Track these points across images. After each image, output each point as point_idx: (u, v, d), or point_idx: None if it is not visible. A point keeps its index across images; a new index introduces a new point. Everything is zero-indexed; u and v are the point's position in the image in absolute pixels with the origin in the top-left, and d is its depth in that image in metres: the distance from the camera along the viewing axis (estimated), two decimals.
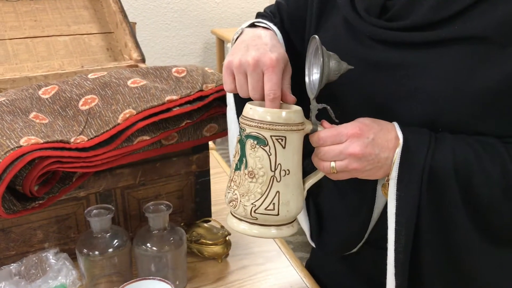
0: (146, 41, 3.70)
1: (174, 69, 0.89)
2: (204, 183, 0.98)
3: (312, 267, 0.96)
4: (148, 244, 0.80)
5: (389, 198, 0.65)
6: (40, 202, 0.75)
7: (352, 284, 0.88)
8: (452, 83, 0.63)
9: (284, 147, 0.63)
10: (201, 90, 0.86)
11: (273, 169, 0.63)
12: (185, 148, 0.91)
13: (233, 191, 0.66)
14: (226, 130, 0.93)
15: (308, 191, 0.70)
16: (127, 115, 0.78)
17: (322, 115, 0.68)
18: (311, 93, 0.67)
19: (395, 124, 0.66)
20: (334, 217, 0.80)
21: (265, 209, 0.64)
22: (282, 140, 0.63)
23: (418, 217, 0.65)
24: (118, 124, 0.78)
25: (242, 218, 0.66)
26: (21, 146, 0.68)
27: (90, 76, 0.85)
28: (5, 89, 1.12)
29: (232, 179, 0.67)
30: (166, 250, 0.80)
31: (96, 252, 0.79)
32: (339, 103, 0.74)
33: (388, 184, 0.65)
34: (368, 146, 0.63)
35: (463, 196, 0.63)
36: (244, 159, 0.65)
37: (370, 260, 0.83)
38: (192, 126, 0.89)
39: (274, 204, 0.64)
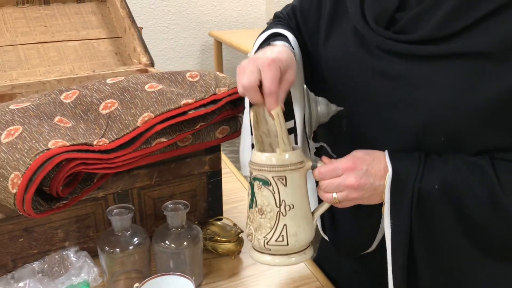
0: None
1: (188, 74, 0.93)
2: (216, 183, 1.02)
3: (320, 263, 0.99)
4: (167, 241, 0.84)
5: (385, 225, 0.71)
6: (64, 202, 0.79)
7: (361, 280, 0.92)
8: (453, 96, 0.66)
9: (285, 185, 0.71)
10: (214, 94, 0.90)
11: (278, 205, 0.71)
12: (199, 150, 0.95)
13: (249, 227, 0.75)
14: (237, 132, 0.97)
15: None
16: (146, 118, 0.82)
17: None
18: (309, 134, 0.73)
19: (386, 153, 0.72)
20: (346, 218, 0.84)
21: (276, 241, 0.72)
22: (283, 179, 0.71)
23: (412, 242, 0.71)
24: (138, 127, 0.81)
25: (260, 250, 0.74)
26: (49, 148, 0.71)
27: (108, 81, 0.89)
28: (20, 93, 1.16)
29: (248, 216, 0.76)
30: (184, 247, 0.84)
31: (117, 250, 0.83)
32: (348, 108, 0.79)
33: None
34: (362, 177, 0.70)
35: (454, 218, 0.68)
36: (254, 198, 0.73)
37: (378, 259, 0.86)
38: (205, 128, 0.92)
39: (283, 236, 0.72)
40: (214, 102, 0.90)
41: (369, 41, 0.74)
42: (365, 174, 0.70)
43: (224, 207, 1.06)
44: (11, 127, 0.74)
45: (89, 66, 1.33)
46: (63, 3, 1.43)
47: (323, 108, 0.72)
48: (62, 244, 0.91)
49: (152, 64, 1.31)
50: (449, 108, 0.67)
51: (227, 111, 0.94)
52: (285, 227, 0.72)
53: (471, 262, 0.72)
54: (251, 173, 0.74)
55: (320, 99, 0.73)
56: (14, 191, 0.70)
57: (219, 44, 3.73)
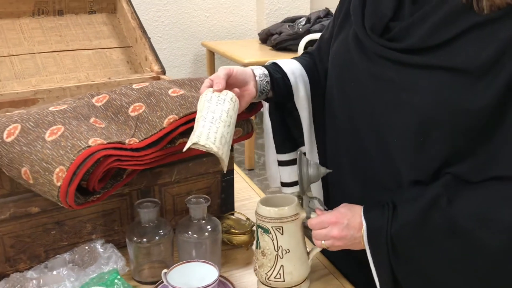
0: None
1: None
2: (229, 181, 1.11)
3: (326, 253, 1.08)
4: (190, 232, 0.92)
5: (372, 269, 0.84)
6: (97, 196, 0.86)
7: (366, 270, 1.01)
8: (435, 102, 0.76)
9: (282, 234, 0.86)
10: None
11: (276, 250, 0.87)
12: None
13: (255, 264, 0.91)
14: (249, 134, 1.06)
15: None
16: (171, 120, 0.91)
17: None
18: (301, 192, 0.87)
19: (362, 208, 0.85)
20: None
21: (274, 277, 0.88)
22: (280, 229, 0.86)
23: (396, 274, 0.83)
24: (164, 127, 0.90)
25: (263, 283, 0.90)
26: (90, 146, 0.79)
27: (134, 86, 0.97)
28: (42, 99, 1.23)
29: (255, 255, 0.91)
30: (205, 237, 0.92)
31: (145, 240, 0.90)
32: (348, 108, 0.89)
33: None
34: (344, 230, 0.84)
35: (426, 254, 0.80)
36: (258, 242, 0.89)
37: None
38: None
39: (280, 274, 0.88)
40: None
41: (366, 47, 0.85)
42: (346, 227, 0.84)
43: (235, 204, 1.15)
44: (54, 127, 0.82)
45: (102, 73, 1.40)
46: (76, 14, 1.50)
47: (314, 171, 0.86)
48: (90, 236, 0.98)
49: (163, 72, 1.39)
50: (428, 113, 0.77)
51: (240, 115, 1.02)
52: (282, 267, 0.87)
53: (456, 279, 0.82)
54: (256, 220, 0.89)
55: (312, 163, 0.86)
56: (58, 184, 0.77)
57: (211, 54, 3.82)
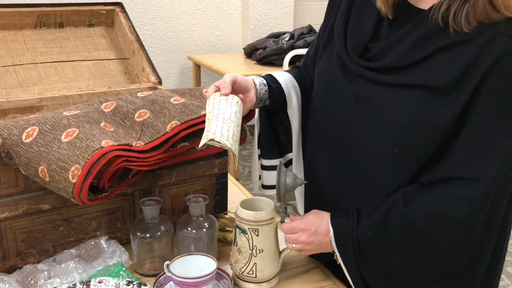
0: None
1: (204, 90, 1.11)
2: (223, 183, 1.19)
3: None
4: (189, 228, 1.00)
5: (342, 267, 0.95)
6: (106, 194, 0.94)
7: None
8: (408, 117, 0.86)
9: (257, 235, 0.95)
10: None
11: (251, 249, 0.96)
12: (211, 153, 1.12)
13: (231, 259, 1.00)
14: (243, 140, 1.15)
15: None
16: (174, 125, 0.99)
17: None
18: (278, 198, 0.97)
19: (329, 216, 0.95)
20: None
21: (247, 273, 0.97)
22: (255, 231, 0.95)
23: (363, 274, 0.94)
24: (167, 132, 0.98)
25: (237, 277, 0.99)
26: (103, 147, 0.87)
27: (139, 95, 1.06)
28: (47, 106, 1.31)
29: (232, 251, 1.00)
30: (203, 233, 1.01)
31: (148, 235, 0.98)
32: (330, 123, 1.00)
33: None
34: (311, 236, 0.94)
35: (385, 248, 0.91)
36: (236, 240, 0.98)
37: None
38: None
39: (253, 270, 0.97)
40: None
41: (348, 68, 0.95)
42: (314, 233, 0.94)
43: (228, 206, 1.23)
44: (69, 130, 0.90)
45: (101, 83, 1.48)
46: (75, 27, 1.58)
47: (291, 181, 0.95)
48: (95, 233, 1.06)
49: (160, 82, 1.48)
50: (403, 127, 0.87)
51: None
52: (255, 264, 0.96)
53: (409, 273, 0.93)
54: (235, 221, 0.97)
55: (290, 173, 0.96)
56: (74, 181, 0.85)
57: (197, 67, 3.91)
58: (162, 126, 0.99)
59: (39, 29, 1.52)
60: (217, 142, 0.84)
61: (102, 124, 0.96)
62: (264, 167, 1.15)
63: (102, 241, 1.04)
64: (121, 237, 1.08)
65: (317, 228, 0.94)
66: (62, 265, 0.98)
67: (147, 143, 0.97)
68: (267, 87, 1.06)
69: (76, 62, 1.51)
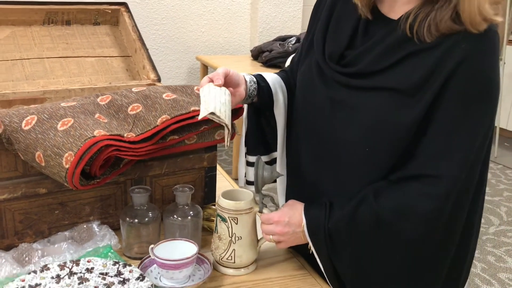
0: None
1: (195, 87, 1.18)
2: (212, 176, 1.26)
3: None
4: (175, 216, 1.07)
5: (316, 256, 1.00)
6: (98, 180, 1.01)
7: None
8: (376, 118, 0.93)
9: (236, 223, 1.02)
10: None
11: (230, 236, 1.03)
12: (200, 147, 1.19)
13: (212, 245, 1.07)
14: (232, 136, 1.22)
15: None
16: (164, 119, 1.06)
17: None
18: (256, 190, 1.04)
19: (303, 207, 1.00)
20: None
21: (226, 259, 1.04)
22: (235, 219, 1.02)
23: (334, 264, 1.00)
24: (157, 125, 1.05)
25: (217, 262, 1.06)
26: (95, 136, 0.95)
27: (133, 89, 1.13)
28: (50, 98, 1.39)
29: (213, 238, 1.07)
30: (188, 221, 1.07)
31: (136, 220, 1.05)
32: (309, 124, 1.06)
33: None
34: (285, 226, 1.00)
35: (355, 239, 0.96)
36: (217, 227, 1.05)
37: None
38: (207, 131, 1.16)
39: (231, 256, 1.03)
40: None
41: (325, 74, 1.02)
42: (287, 224, 1.00)
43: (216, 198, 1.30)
44: (65, 119, 0.97)
45: (104, 79, 1.56)
46: (82, 25, 1.67)
47: (267, 173, 1.02)
48: (88, 218, 1.13)
49: (159, 80, 1.55)
50: (375, 127, 0.93)
51: None
52: (233, 251, 1.03)
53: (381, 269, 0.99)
54: (217, 210, 1.04)
55: (267, 166, 1.03)
56: (67, 166, 0.92)
57: (205, 67, 3.99)
58: (153, 119, 1.06)
59: (47, 26, 1.61)
60: (217, 116, 0.91)
61: (97, 115, 1.03)
62: (249, 164, 1.22)
63: (94, 225, 1.11)
64: (113, 222, 1.15)
65: (289, 219, 1.00)
66: (56, 246, 1.05)
67: (138, 135, 1.03)
68: (256, 84, 1.13)
69: (81, 58, 1.59)
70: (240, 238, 1.02)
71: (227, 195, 1.05)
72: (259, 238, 1.07)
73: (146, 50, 1.61)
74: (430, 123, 0.90)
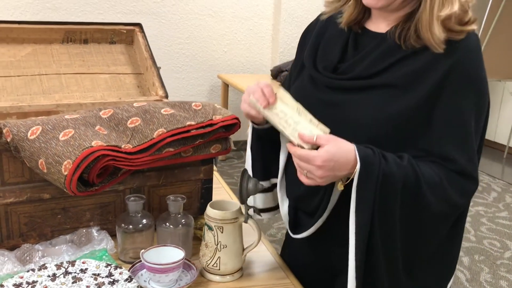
0: None
1: (193, 104, 1.25)
2: (208, 188, 1.32)
3: (283, 255, 1.28)
4: (167, 223, 1.14)
5: (350, 222, 0.95)
6: (96, 188, 1.09)
7: (320, 276, 1.19)
8: (372, 114, 0.99)
9: (222, 232, 1.07)
10: (211, 119, 1.22)
11: (216, 244, 1.08)
12: (196, 160, 1.26)
13: (200, 253, 1.12)
14: (226, 150, 1.28)
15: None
16: (160, 133, 1.14)
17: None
18: (241, 201, 1.08)
19: (354, 148, 0.94)
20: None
21: (212, 266, 1.09)
22: (220, 228, 1.07)
23: (372, 237, 0.95)
24: (153, 138, 1.13)
25: (204, 269, 1.11)
26: (92, 146, 1.03)
27: (134, 104, 1.21)
28: (62, 111, 1.48)
29: (201, 246, 1.12)
30: (179, 229, 1.14)
31: (130, 226, 1.12)
32: None
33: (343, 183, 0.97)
34: (328, 171, 0.92)
35: (397, 194, 0.95)
36: (204, 235, 1.10)
37: (337, 255, 1.11)
38: (203, 145, 1.23)
39: (217, 263, 1.09)
40: (210, 125, 1.22)
41: (318, 82, 1.08)
42: (331, 169, 0.91)
43: None
44: (66, 130, 1.06)
45: (115, 94, 1.66)
46: (98, 44, 1.77)
47: (252, 186, 1.06)
48: (88, 223, 1.21)
49: (166, 97, 1.64)
50: (371, 123, 0.99)
51: (220, 133, 1.25)
52: (219, 258, 1.08)
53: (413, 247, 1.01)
54: (205, 219, 1.09)
55: (252, 179, 1.07)
56: (65, 173, 1.00)
57: (226, 85, 4.09)
58: (150, 132, 1.14)
59: (66, 44, 1.72)
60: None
61: (97, 127, 1.11)
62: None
63: (94, 231, 1.19)
64: (112, 229, 1.22)
65: (335, 164, 0.92)
66: (56, 247, 1.13)
67: (134, 146, 1.11)
68: None
69: (95, 75, 1.69)
70: (225, 246, 1.08)
71: (215, 205, 1.11)
72: (244, 247, 1.12)
73: (157, 68, 1.70)
74: (433, 114, 0.98)
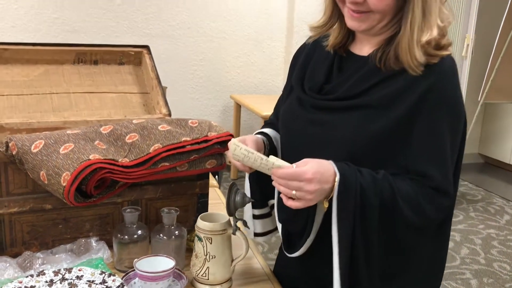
0: (175, 101, 4.20)
1: (190, 121, 1.32)
2: (203, 202, 1.38)
3: (275, 270, 1.32)
4: (161, 235, 1.19)
5: (332, 232, 1.00)
6: (94, 199, 1.15)
7: (302, 278, 1.23)
8: (353, 133, 1.04)
9: (211, 243, 1.12)
10: (206, 136, 1.28)
11: (205, 254, 1.13)
12: (192, 175, 1.31)
13: (191, 263, 1.17)
14: (221, 165, 1.34)
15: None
16: (156, 148, 1.20)
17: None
18: (229, 213, 1.13)
19: (331, 163, 1.01)
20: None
21: (201, 275, 1.14)
22: (209, 239, 1.12)
23: (353, 244, 1.00)
24: (149, 153, 1.19)
25: (194, 278, 1.15)
26: (89, 159, 1.09)
27: (134, 121, 1.28)
28: (70, 127, 1.56)
29: (192, 256, 1.16)
30: (172, 240, 1.19)
31: (126, 237, 1.18)
32: (291, 143, 1.17)
33: (327, 202, 1.01)
34: (317, 183, 0.95)
35: (373, 204, 1.00)
36: (195, 246, 1.15)
37: (319, 264, 1.17)
38: (198, 160, 1.29)
39: (206, 273, 1.13)
40: (205, 141, 1.27)
41: (305, 102, 1.13)
42: (319, 181, 0.95)
43: None
44: (67, 144, 1.13)
45: (122, 112, 1.73)
46: (108, 64, 1.86)
47: (240, 199, 1.11)
48: (87, 234, 1.27)
49: (169, 115, 1.70)
50: (352, 141, 1.04)
51: (215, 149, 1.31)
52: (208, 268, 1.13)
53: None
54: (195, 230, 1.14)
55: (240, 192, 1.11)
56: (64, 184, 1.07)
57: (238, 106, 4.17)
58: (146, 147, 1.20)
59: (77, 65, 1.81)
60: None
61: (96, 142, 1.18)
62: (255, 217, 1.28)
63: (93, 241, 1.25)
64: (110, 239, 1.28)
65: (321, 176, 0.96)
66: (56, 256, 1.19)
67: (131, 160, 1.17)
68: (268, 143, 1.24)
69: (103, 94, 1.77)
70: (214, 256, 1.12)
71: (206, 217, 1.16)
72: (233, 258, 1.16)
73: (161, 87, 1.77)
74: (412, 132, 1.02)
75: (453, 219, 3.75)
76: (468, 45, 4.53)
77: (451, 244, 3.25)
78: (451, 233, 3.79)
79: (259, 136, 1.23)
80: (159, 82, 1.79)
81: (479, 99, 4.30)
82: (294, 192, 0.96)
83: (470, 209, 4.03)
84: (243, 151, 1.03)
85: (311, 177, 0.95)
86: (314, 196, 0.97)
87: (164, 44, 4.10)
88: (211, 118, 4.34)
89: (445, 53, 1.03)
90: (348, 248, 1.00)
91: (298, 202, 0.97)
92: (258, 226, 1.29)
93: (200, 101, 4.32)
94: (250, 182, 1.29)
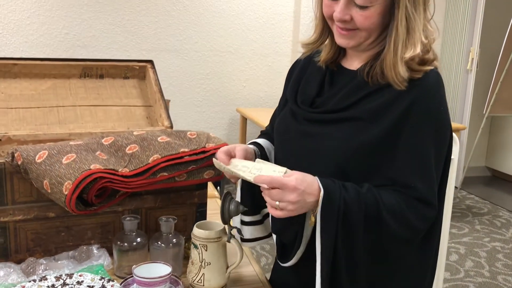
0: (181, 114, 4.27)
1: (188, 132, 1.37)
2: (202, 212, 1.42)
3: (272, 278, 1.35)
4: (159, 242, 1.23)
5: (316, 244, 1.04)
6: (95, 208, 1.20)
7: (295, 286, 1.26)
8: (341, 144, 1.08)
9: (206, 250, 1.16)
10: (204, 147, 1.33)
11: (200, 261, 1.16)
12: (190, 185, 1.36)
13: (187, 270, 1.20)
14: (219, 176, 1.38)
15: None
16: (155, 158, 1.25)
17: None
18: (223, 222, 1.17)
19: (316, 178, 1.05)
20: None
21: (197, 282, 1.17)
22: (204, 246, 1.16)
23: (335, 255, 1.03)
24: (149, 163, 1.24)
25: (191, 284, 1.19)
26: (90, 169, 1.14)
27: (134, 133, 1.33)
28: (74, 139, 1.62)
29: (188, 263, 1.20)
30: (170, 247, 1.23)
31: (125, 244, 1.22)
32: (284, 153, 1.21)
33: (314, 217, 1.06)
34: (300, 195, 0.98)
35: (363, 223, 1.04)
36: (191, 253, 1.19)
37: (312, 273, 1.21)
38: (196, 170, 1.34)
39: (201, 280, 1.17)
40: (203, 152, 1.32)
41: (298, 115, 1.18)
42: (302, 193, 0.98)
43: None
44: (69, 154, 1.18)
45: (125, 125, 1.79)
46: (113, 78, 1.92)
47: (234, 208, 1.14)
48: (89, 241, 1.31)
49: (171, 127, 1.76)
50: (341, 152, 1.08)
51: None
52: (203, 275, 1.16)
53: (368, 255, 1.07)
54: (191, 238, 1.18)
55: (234, 201, 1.15)
56: (66, 192, 1.12)
57: (244, 119, 4.22)
58: (146, 158, 1.25)
59: (83, 79, 1.88)
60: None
61: (98, 152, 1.24)
62: (244, 223, 1.31)
63: (94, 248, 1.29)
64: (111, 247, 1.32)
65: (305, 188, 0.98)
66: (58, 262, 1.24)
67: (131, 170, 1.22)
68: (259, 152, 1.29)
69: (108, 107, 1.83)
70: (209, 263, 1.16)
71: (202, 225, 1.20)
72: (228, 265, 1.20)
73: (164, 101, 1.83)
74: (397, 144, 1.05)
75: (458, 232, 3.77)
76: (473, 58, 4.56)
77: (455, 257, 3.26)
78: (455, 245, 3.77)
79: (250, 146, 1.27)
80: (162, 95, 1.85)
81: (484, 112, 4.31)
82: (277, 202, 0.99)
83: (476, 222, 4.03)
84: (227, 170, 1.11)
85: (294, 185, 0.97)
86: (296, 207, 0.99)
87: (171, 58, 4.19)
88: (217, 130, 4.40)
89: (429, 68, 1.07)
90: (330, 260, 1.04)
91: (280, 212, 0.99)
92: (247, 232, 1.31)
93: (207, 114, 4.38)
94: (241, 190, 1.32)
